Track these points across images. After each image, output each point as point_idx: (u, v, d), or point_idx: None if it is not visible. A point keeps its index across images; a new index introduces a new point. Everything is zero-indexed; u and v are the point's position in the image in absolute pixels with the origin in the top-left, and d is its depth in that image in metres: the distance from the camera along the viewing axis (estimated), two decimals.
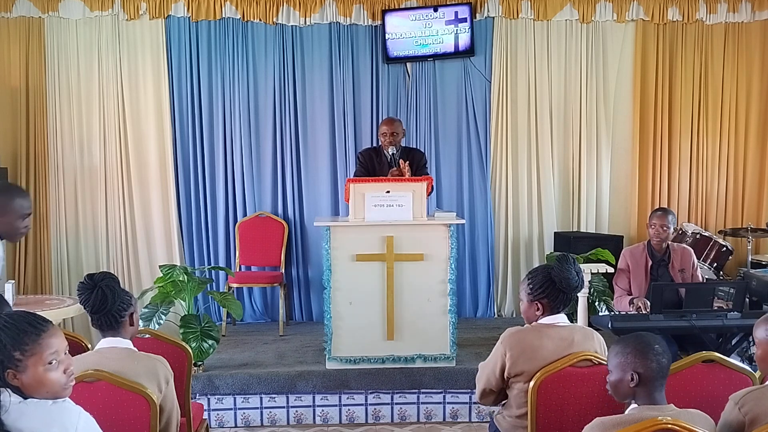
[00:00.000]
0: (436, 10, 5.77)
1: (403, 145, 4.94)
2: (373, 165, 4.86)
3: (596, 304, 4.87)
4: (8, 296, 4.31)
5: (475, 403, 4.36)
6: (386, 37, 5.77)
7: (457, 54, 5.83)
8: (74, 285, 5.43)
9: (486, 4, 5.85)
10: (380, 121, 5.79)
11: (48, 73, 5.72)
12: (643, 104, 6.04)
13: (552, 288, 2.64)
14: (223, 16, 5.73)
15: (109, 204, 5.82)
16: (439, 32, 5.79)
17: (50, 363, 1.76)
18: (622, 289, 4.32)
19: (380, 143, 4.92)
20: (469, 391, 4.34)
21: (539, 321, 2.69)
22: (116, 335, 2.46)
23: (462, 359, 4.47)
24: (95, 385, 2.32)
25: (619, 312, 4.25)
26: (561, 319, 2.68)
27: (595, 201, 6.06)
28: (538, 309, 2.69)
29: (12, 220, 2.83)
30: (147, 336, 3.04)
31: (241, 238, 5.74)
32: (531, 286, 2.69)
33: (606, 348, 2.71)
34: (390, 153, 4.78)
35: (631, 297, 4.19)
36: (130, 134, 5.79)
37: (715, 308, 4.02)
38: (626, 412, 2.09)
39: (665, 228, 4.23)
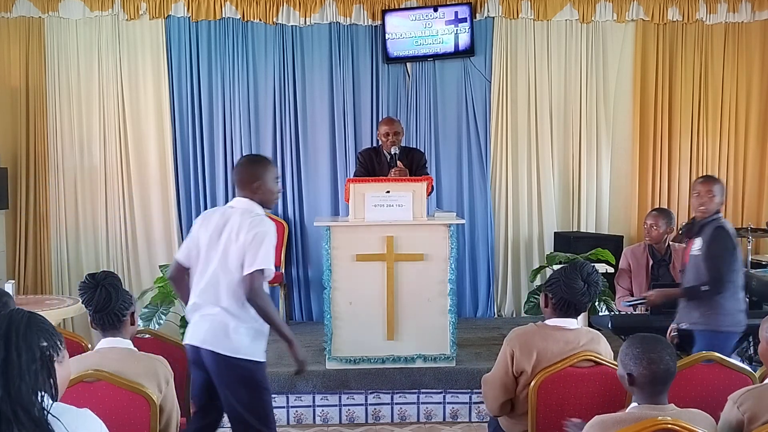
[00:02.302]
0: (436, 10, 5.76)
1: (403, 144, 4.93)
2: (372, 165, 4.84)
3: (596, 304, 4.87)
4: None
5: (475, 403, 4.36)
6: (386, 37, 5.76)
7: (457, 54, 5.83)
8: (74, 285, 5.44)
9: (486, 4, 5.85)
10: (380, 121, 5.80)
11: (48, 73, 5.72)
12: (643, 104, 6.04)
13: (559, 290, 2.63)
14: (223, 16, 5.72)
15: (109, 204, 5.81)
16: (439, 32, 5.79)
17: None
18: (624, 288, 4.32)
19: (379, 143, 4.92)
20: (469, 391, 4.34)
21: (546, 321, 2.69)
22: (117, 335, 2.46)
23: (462, 359, 4.46)
24: (95, 385, 2.32)
25: (621, 312, 4.24)
26: (569, 323, 2.66)
27: (595, 201, 6.06)
28: (546, 305, 2.70)
29: (270, 185, 2.94)
30: (147, 336, 3.04)
31: None
32: (548, 280, 2.71)
33: (611, 352, 2.72)
34: (390, 153, 4.76)
35: (633, 299, 4.17)
36: (130, 134, 5.79)
37: None
38: (627, 410, 2.10)
39: (654, 228, 4.23)
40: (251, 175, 2.93)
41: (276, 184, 3.00)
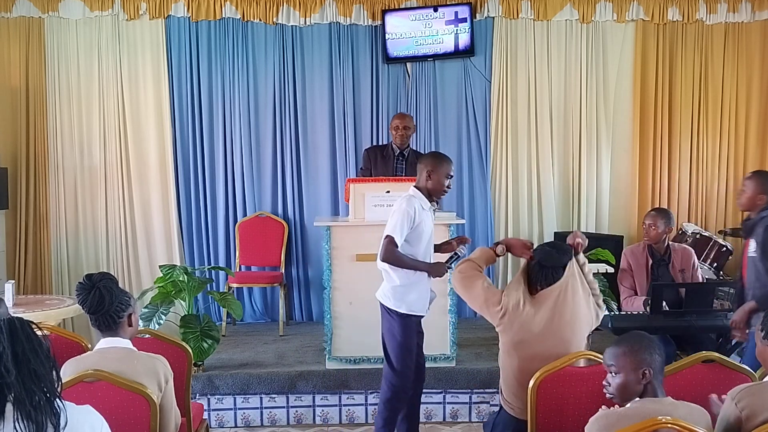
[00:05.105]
0: (436, 10, 5.77)
1: (412, 147, 5.03)
2: (376, 162, 4.93)
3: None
4: (8, 296, 4.34)
5: (475, 403, 4.36)
6: (386, 37, 5.77)
7: (457, 54, 5.83)
8: (74, 285, 5.38)
9: (486, 4, 5.85)
10: (380, 120, 5.83)
11: (48, 73, 5.72)
12: (643, 104, 6.04)
13: (531, 266, 2.86)
14: (223, 16, 5.73)
15: (109, 204, 5.82)
16: (439, 32, 5.79)
17: None
18: (628, 288, 4.30)
19: (390, 139, 5.02)
20: (469, 391, 4.35)
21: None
22: (115, 335, 2.45)
23: (462, 359, 4.47)
24: (95, 385, 2.32)
25: (629, 312, 4.20)
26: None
27: (595, 201, 6.06)
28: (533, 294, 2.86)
29: (439, 178, 3.41)
30: (147, 336, 3.04)
31: (241, 238, 5.74)
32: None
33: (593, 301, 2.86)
34: (397, 150, 4.89)
35: (645, 298, 4.16)
36: (130, 134, 5.79)
37: (715, 308, 4.01)
38: (628, 405, 2.13)
39: (653, 228, 4.22)
40: (425, 166, 3.43)
41: (445, 180, 3.43)
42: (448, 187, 3.47)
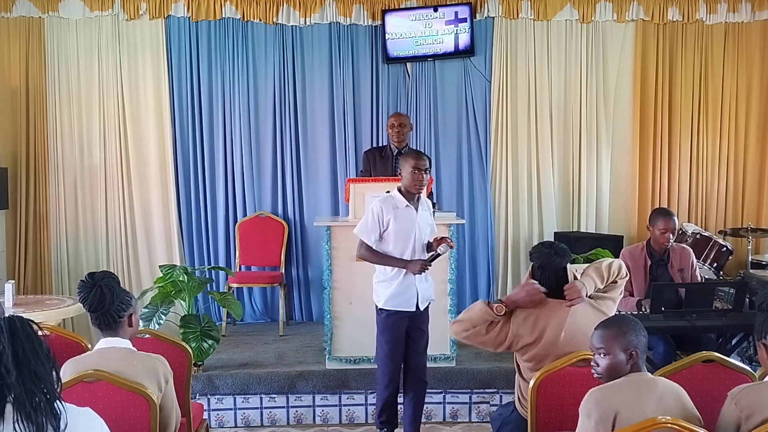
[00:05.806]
0: (436, 10, 5.77)
1: (411, 146, 5.03)
2: (375, 163, 4.93)
3: None
4: (8, 296, 4.34)
5: (475, 403, 4.36)
6: (386, 37, 5.77)
7: (457, 54, 5.83)
8: (74, 285, 5.44)
9: (486, 4, 5.85)
10: (380, 120, 5.83)
11: (48, 73, 5.72)
12: (643, 104, 6.04)
13: (534, 270, 2.90)
14: (223, 16, 5.73)
15: (109, 204, 5.82)
16: (439, 32, 5.79)
17: None
18: (625, 290, 4.29)
19: (388, 138, 5.04)
20: (469, 391, 4.35)
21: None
22: (115, 335, 2.45)
23: (462, 359, 4.47)
24: (95, 385, 2.32)
25: (627, 313, 4.20)
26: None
27: (595, 201, 6.06)
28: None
29: (406, 174, 3.51)
30: (147, 336, 3.04)
31: (241, 238, 5.74)
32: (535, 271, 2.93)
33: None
34: (396, 149, 4.89)
35: (638, 299, 4.15)
36: (130, 134, 5.79)
37: (715, 308, 4.01)
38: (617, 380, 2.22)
39: (666, 234, 4.18)
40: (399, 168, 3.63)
41: (411, 176, 3.48)
42: (418, 180, 3.47)
